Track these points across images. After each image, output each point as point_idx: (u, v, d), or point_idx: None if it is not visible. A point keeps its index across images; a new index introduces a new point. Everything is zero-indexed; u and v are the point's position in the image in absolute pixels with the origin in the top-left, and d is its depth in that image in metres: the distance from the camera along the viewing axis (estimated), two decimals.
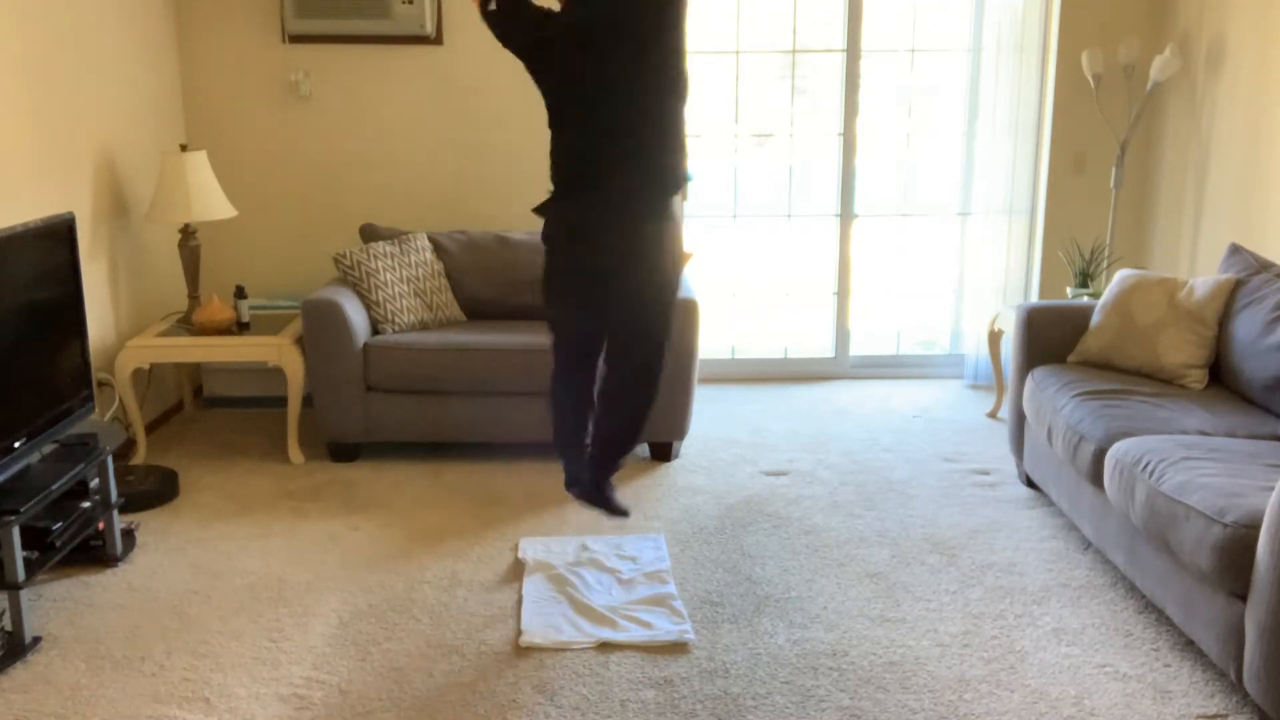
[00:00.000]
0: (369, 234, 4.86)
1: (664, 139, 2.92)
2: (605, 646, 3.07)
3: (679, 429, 4.40)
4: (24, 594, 3.03)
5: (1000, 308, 5.18)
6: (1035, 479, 4.02)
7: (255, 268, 5.25)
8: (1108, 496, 3.28)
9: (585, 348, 3.16)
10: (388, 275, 4.58)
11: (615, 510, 3.28)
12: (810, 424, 4.95)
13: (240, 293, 4.54)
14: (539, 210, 3.10)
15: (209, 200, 4.49)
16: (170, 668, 2.97)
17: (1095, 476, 3.36)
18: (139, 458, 4.45)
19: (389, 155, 5.20)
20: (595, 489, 3.22)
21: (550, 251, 3.08)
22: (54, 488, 3.19)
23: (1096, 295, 4.81)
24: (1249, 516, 2.65)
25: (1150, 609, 3.26)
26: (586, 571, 3.48)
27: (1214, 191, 4.75)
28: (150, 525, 3.87)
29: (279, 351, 4.41)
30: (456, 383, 4.35)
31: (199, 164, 4.47)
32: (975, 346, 5.48)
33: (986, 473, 4.35)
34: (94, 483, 3.55)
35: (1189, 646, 3.06)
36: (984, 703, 2.81)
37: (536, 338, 4.36)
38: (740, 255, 5.67)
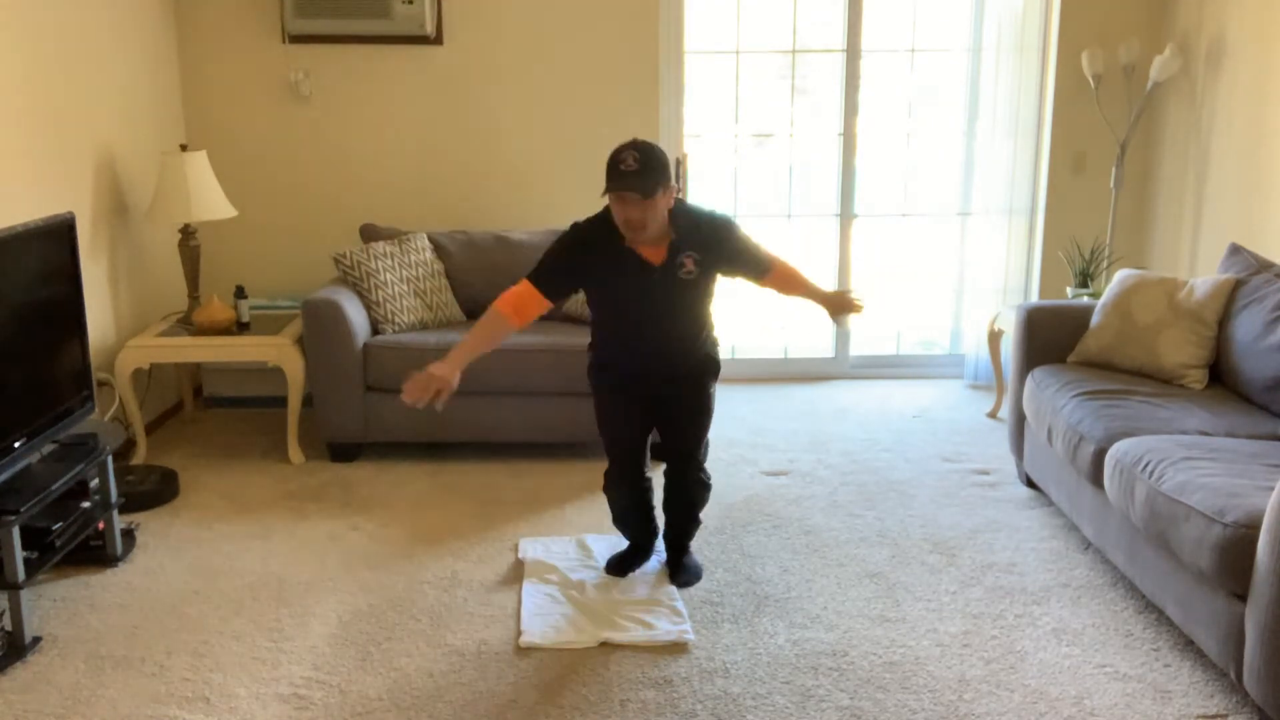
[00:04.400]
0: (369, 234, 4.86)
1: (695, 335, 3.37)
2: (605, 646, 3.07)
3: None
4: (24, 594, 3.03)
5: (1000, 308, 5.19)
6: (1035, 479, 4.02)
7: (255, 268, 5.25)
8: (1108, 496, 3.28)
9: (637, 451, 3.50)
10: (388, 275, 4.58)
11: (692, 576, 3.51)
12: (810, 424, 4.95)
13: (240, 293, 4.54)
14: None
15: (209, 200, 4.49)
16: (170, 668, 2.97)
17: (1095, 476, 3.36)
18: (139, 458, 4.45)
19: (389, 155, 5.20)
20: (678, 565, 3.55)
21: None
22: (54, 488, 3.19)
23: (1096, 295, 4.81)
24: (1249, 516, 2.64)
25: (1150, 609, 3.26)
26: (586, 571, 3.49)
27: (1214, 191, 4.75)
28: (150, 525, 3.87)
29: (279, 351, 4.41)
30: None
31: (199, 164, 4.47)
32: (975, 346, 5.48)
33: (986, 473, 4.35)
34: (94, 483, 3.55)
35: (1189, 646, 3.06)
36: (984, 703, 2.81)
37: (536, 338, 4.37)
38: None
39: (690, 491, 3.48)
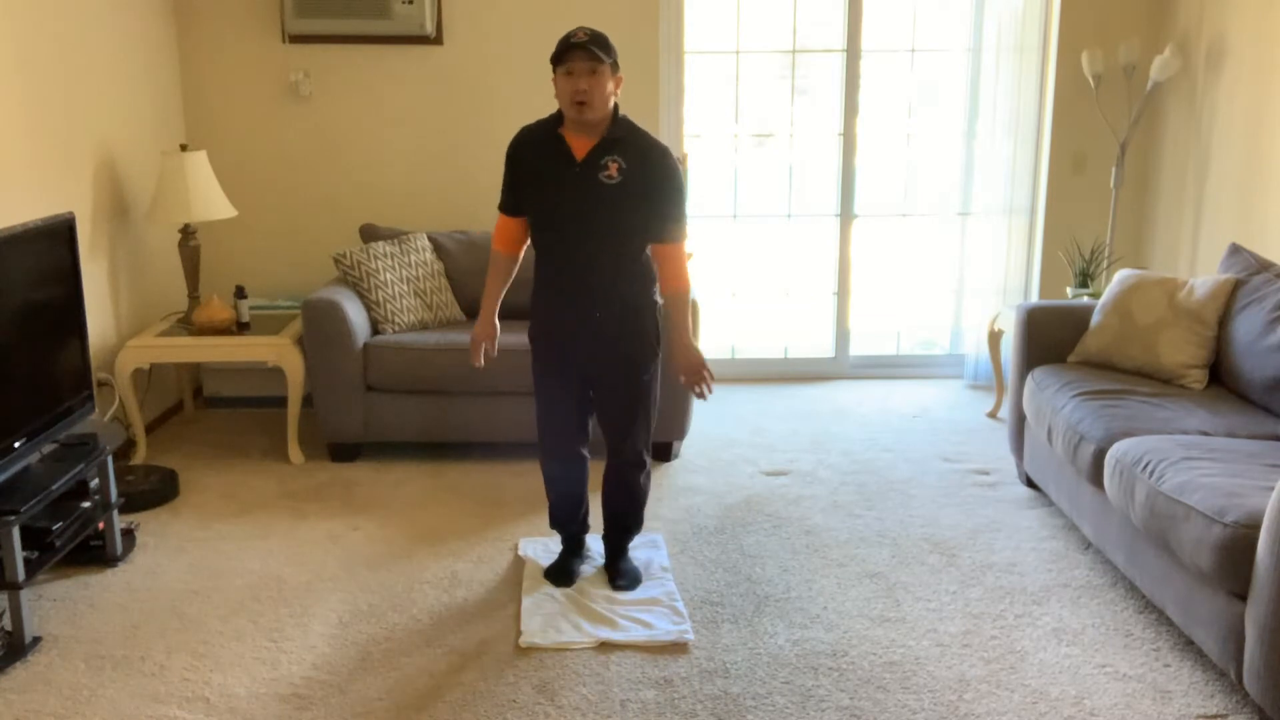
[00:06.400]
0: (369, 234, 4.86)
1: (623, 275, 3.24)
2: (605, 646, 3.07)
3: (679, 429, 4.40)
4: (24, 594, 3.03)
5: (1000, 308, 5.19)
6: (1035, 479, 4.02)
7: (255, 268, 5.26)
8: (1108, 496, 3.28)
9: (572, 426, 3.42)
10: (388, 275, 4.58)
11: (630, 581, 3.44)
12: (810, 424, 4.95)
13: (240, 293, 4.54)
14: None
15: (209, 200, 4.49)
16: (170, 668, 2.97)
17: (1095, 476, 3.36)
18: (139, 458, 4.45)
19: (389, 155, 5.20)
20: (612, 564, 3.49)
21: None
22: (54, 488, 3.19)
23: (1096, 295, 4.81)
24: (1249, 516, 2.65)
25: (1150, 609, 3.26)
26: (587, 570, 3.49)
27: (1214, 191, 4.75)
28: (150, 525, 3.87)
29: (279, 351, 4.41)
30: (456, 383, 4.35)
31: (199, 164, 4.47)
32: (975, 346, 5.48)
33: (986, 473, 4.35)
34: (94, 483, 3.55)
35: (1189, 646, 3.06)
36: (984, 703, 2.81)
37: None
38: (740, 255, 5.67)
39: (623, 480, 3.38)
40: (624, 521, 3.45)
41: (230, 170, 5.12)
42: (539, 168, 3.18)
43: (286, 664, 2.99)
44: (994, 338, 5.08)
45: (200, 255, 4.67)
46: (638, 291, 3.23)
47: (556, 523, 3.52)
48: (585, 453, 3.45)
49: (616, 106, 3.15)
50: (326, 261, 5.16)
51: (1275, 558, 2.49)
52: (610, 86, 3.09)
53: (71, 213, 3.51)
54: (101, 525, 3.54)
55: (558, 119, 3.18)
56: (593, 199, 3.12)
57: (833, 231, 5.54)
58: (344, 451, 4.49)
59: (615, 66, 3.10)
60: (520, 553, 3.63)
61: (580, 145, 3.12)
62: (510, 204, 3.28)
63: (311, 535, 3.80)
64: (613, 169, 3.10)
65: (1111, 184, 5.13)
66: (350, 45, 5.06)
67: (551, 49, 5.22)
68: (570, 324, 3.24)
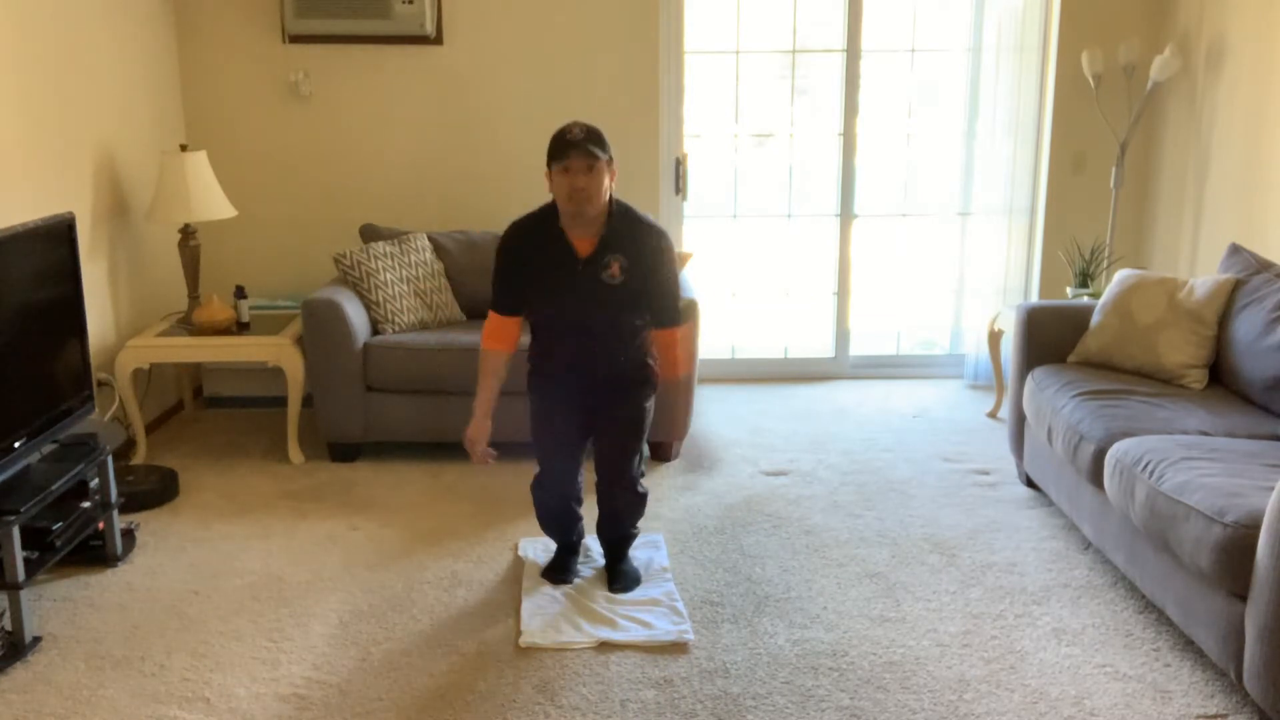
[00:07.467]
0: (369, 234, 4.86)
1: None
2: (605, 646, 3.07)
3: (679, 429, 4.40)
4: (24, 594, 3.03)
5: (1000, 308, 5.19)
6: (1035, 479, 4.02)
7: (255, 268, 5.25)
8: (1108, 496, 3.28)
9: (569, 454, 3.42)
10: (388, 275, 4.58)
11: (629, 582, 3.43)
12: (810, 424, 4.95)
13: (240, 293, 4.54)
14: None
15: (209, 200, 4.49)
16: (170, 668, 2.97)
17: (1095, 476, 3.36)
18: (139, 458, 4.45)
19: (389, 155, 5.20)
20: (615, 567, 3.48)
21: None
22: (54, 488, 3.19)
23: (1096, 295, 4.81)
24: (1249, 516, 2.65)
25: (1150, 609, 3.26)
26: (586, 571, 3.49)
27: (1214, 191, 4.75)
28: (150, 525, 3.87)
29: (279, 351, 4.41)
30: (456, 383, 4.34)
31: (199, 164, 4.47)
32: (975, 346, 5.48)
33: (986, 473, 4.35)
34: (94, 483, 3.55)
35: (1189, 646, 3.06)
36: (984, 703, 2.81)
37: None
38: (740, 255, 5.67)
39: (615, 504, 3.38)
40: (617, 538, 3.47)
41: (230, 170, 5.12)
42: (542, 268, 3.21)
43: (286, 664, 2.99)
44: (994, 338, 5.08)
45: (200, 255, 4.67)
46: (633, 350, 3.29)
47: (555, 538, 3.55)
48: (579, 487, 3.46)
49: (612, 196, 3.18)
50: (326, 261, 5.16)
51: (1275, 558, 2.49)
52: (607, 181, 3.12)
53: (71, 213, 3.51)
54: (101, 525, 3.54)
55: (553, 213, 3.20)
56: (598, 298, 3.18)
57: (833, 231, 5.54)
58: (344, 451, 4.49)
59: (611, 160, 3.13)
60: (520, 553, 3.63)
61: (582, 243, 3.16)
62: (508, 305, 3.27)
63: (311, 535, 3.80)
64: (615, 268, 3.15)
65: (1111, 184, 5.13)
66: (350, 45, 5.05)
67: (551, 48, 5.25)
68: (567, 377, 3.30)
